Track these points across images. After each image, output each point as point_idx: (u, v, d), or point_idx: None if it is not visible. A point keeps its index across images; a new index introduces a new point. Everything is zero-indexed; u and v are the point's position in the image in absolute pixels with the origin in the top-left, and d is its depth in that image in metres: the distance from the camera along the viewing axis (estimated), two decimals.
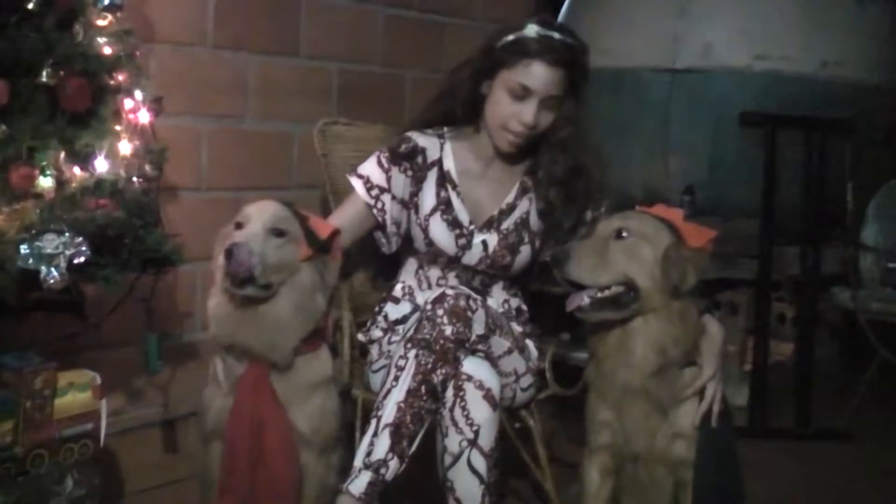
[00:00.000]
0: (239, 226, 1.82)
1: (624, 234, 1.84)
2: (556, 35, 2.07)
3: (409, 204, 2.20)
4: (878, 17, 3.43)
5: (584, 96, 2.14)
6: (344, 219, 2.15)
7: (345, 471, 1.88)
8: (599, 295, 1.83)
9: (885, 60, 3.42)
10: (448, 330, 1.86)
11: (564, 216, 2.16)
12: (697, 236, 1.88)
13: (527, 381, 2.15)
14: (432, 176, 2.20)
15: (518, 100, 2.08)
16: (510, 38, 2.09)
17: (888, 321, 3.34)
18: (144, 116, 2.03)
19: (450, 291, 1.92)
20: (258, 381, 1.81)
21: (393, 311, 2.22)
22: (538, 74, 2.06)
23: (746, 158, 3.23)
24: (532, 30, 2.07)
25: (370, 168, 2.18)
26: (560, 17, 3.74)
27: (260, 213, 1.83)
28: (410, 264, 2.26)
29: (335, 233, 1.92)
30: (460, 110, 2.18)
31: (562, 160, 2.14)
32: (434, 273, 2.22)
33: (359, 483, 1.79)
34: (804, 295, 3.36)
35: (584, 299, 1.83)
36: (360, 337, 2.25)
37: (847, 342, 3.99)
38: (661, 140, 3.38)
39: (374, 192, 2.17)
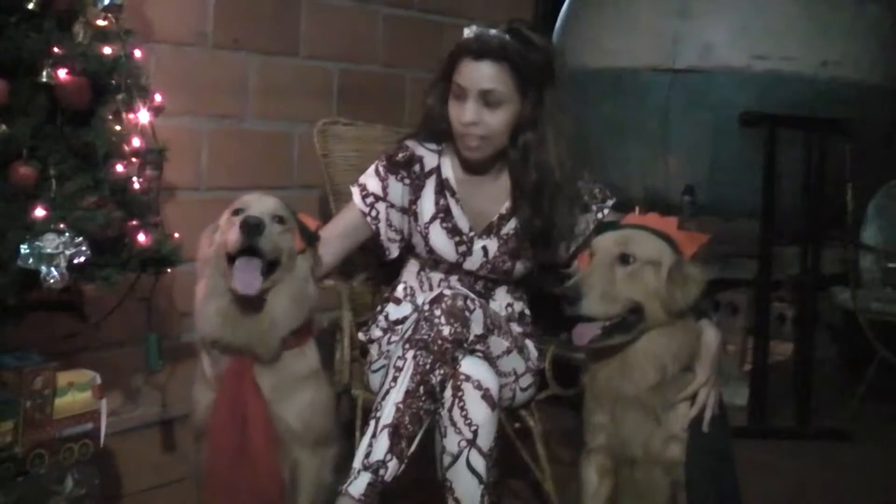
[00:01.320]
0: (237, 212, 1.83)
1: (629, 259, 1.83)
2: (491, 31, 2.05)
3: (409, 212, 2.20)
4: (878, 17, 3.43)
5: (547, 97, 2.07)
6: (340, 225, 2.17)
7: (343, 469, 1.88)
8: (608, 323, 1.82)
9: (885, 60, 3.42)
10: (446, 330, 1.86)
11: (542, 228, 2.11)
12: (689, 243, 1.89)
13: (526, 380, 2.15)
14: (431, 184, 2.20)
15: (459, 100, 2.07)
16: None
17: (888, 321, 3.34)
18: (144, 116, 2.03)
19: (447, 292, 1.91)
20: (241, 374, 1.81)
21: (394, 311, 2.22)
22: (467, 70, 2.04)
23: (746, 158, 3.23)
24: (469, 31, 2.07)
25: (368, 177, 2.19)
26: (560, 17, 3.75)
27: (260, 201, 1.85)
28: (413, 266, 2.26)
29: (319, 226, 2.00)
30: (443, 128, 2.16)
31: (528, 172, 2.09)
32: (436, 276, 2.22)
33: (358, 484, 1.79)
34: (804, 295, 3.36)
35: (596, 331, 1.82)
36: (361, 336, 2.25)
37: (847, 342, 3.99)
38: (661, 140, 3.38)
39: (370, 200, 2.18)
